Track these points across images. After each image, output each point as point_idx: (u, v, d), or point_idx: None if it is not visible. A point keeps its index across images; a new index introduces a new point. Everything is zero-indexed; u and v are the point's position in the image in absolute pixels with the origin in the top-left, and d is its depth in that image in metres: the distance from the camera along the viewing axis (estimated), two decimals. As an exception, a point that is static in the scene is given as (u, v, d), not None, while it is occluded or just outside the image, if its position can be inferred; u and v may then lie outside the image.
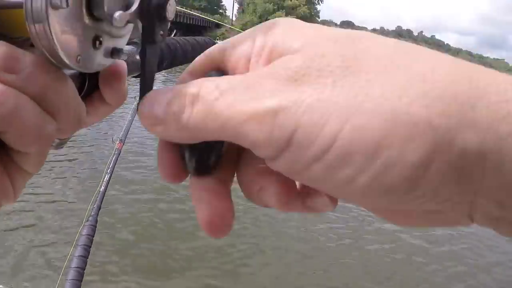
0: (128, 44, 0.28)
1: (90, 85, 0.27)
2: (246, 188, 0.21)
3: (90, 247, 1.21)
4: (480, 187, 0.15)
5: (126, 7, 0.22)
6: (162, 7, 0.22)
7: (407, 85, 0.15)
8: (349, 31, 0.19)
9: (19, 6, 0.20)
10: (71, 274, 1.13)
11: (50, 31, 0.20)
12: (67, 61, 0.21)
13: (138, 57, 0.25)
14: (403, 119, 0.14)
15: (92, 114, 0.27)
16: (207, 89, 0.18)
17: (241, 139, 0.17)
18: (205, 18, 39.54)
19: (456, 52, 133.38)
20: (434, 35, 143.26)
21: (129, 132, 2.02)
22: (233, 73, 0.21)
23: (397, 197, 0.16)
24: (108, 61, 0.25)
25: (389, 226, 3.50)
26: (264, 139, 0.16)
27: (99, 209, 1.34)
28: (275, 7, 58.36)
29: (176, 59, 0.47)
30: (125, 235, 2.97)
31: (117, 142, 1.91)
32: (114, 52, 0.24)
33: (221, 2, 70.43)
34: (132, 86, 0.32)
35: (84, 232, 1.25)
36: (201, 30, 40.33)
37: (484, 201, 0.15)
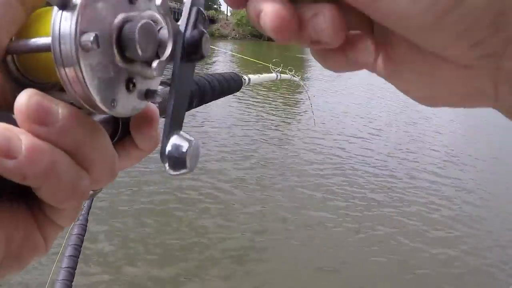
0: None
1: (123, 130, 0.25)
2: (300, 15, 0.20)
3: (81, 246, 1.19)
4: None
5: (159, 45, 0.22)
6: (198, 44, 0.21)
7: None
8: None
9: (47, 49, 0.19)
10: (62, 275, 1.10)
11: (83, 75, 0.18)
12: (102, 107, 0.20)
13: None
14: None
15: (124, 159, 0.26)
16: None
17: None
18: (201, 13, 39.38)
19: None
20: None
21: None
22: None
23: (441, 10, 0.16)
24: (142, 104, 0.23)
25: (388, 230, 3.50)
26: None
27: (90, 208, 1.32)
28: (271, 3, 58.29)
29: (205, 96, 0.46)
30: (115, 235, 2.95)
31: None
32: (148, 94, 0.23)
33: (217, -3, 70.31)
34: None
35: (75, 231, 1.23)
36: (197, 25, 40.11)
37: (510, 66, 0.17)
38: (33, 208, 0.21)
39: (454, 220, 3.90)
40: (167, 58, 0.21)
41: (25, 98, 0.18)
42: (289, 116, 7.57)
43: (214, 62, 15.02)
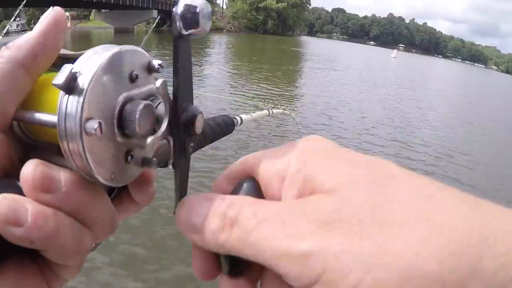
0: None
1: (120, 187, 0.26)
2: None
3: None
4: None
5: (156, 122, 0.23)
6: (191, 123, 0.24)
7: (426, 239, 0.17)
8: (382, 164, 0.21)
9: (52, 126, 0.21)
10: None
11: (85, 152, 0.20)
12: (101, 180, 0.21)
13: (166, 141, 0.25)
14: (418, 274, 0.16)
15: (121, 212, 0.27)
16: (245, 216, 0.20)
17: (273, 268, 0.19)
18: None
19: (448, 39, 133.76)
20: (426, 22, 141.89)
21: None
22: (266, 188, 0.23)
23: None
24: (139, 171, 0.25)
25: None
26: (295, 275, 0.18)
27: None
28: (266, -5, 57.84)
29: (206, 140, 0.46)
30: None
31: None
32: (145, 162, 0.24)
33: (212, -11, 69.50)
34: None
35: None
36: (192, 18, 39.77)
37: None
38: (40, 264, 0.22)
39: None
40: (161, 134, 0.23)
41: (30, 170, 0.20)
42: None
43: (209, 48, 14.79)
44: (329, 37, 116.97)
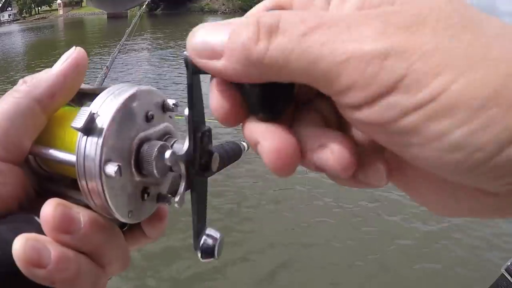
0: None
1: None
2: (303, 143, 0.18)
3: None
4: None
5: (174, 158, 0.22)
6: (208, 167, 0.23)
7: None
8: None
9: (70, 165, 0.21)
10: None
11: (104, 192, 0.20)
12: (119, 218, 0.22)
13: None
14: None
15: (132, 244, 0.27)
16: (291, 22, 0.15)
17: (328, 82, 0.15)
18: (189, -12, 38.46)
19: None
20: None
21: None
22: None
23: (479, 161, 0.14)
24: (154, 207, 0.25)
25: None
26: (365, 81, 0.15)
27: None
28: (260, -26, 56.70)
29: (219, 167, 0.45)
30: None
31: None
32: (160, 198, 0.25)
33: (204, -30, 68.26)
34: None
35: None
36: (186, 1, 39.30)
37: None
38: None
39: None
40: (184, 185, 0.22)
41: (51, 210, 0.20)
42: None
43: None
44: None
